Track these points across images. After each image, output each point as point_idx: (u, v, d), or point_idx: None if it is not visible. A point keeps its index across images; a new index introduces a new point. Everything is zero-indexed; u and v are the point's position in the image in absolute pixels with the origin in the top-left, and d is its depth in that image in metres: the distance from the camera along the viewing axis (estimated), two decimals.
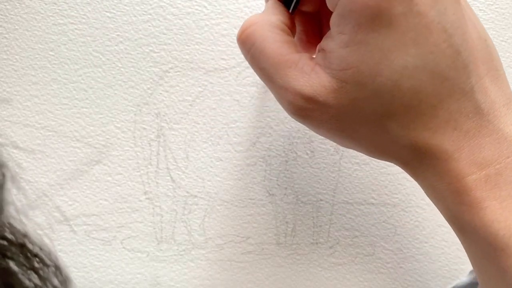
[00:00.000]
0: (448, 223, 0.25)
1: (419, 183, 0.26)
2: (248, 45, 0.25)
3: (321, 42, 0.25)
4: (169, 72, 0.38)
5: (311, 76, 0.24)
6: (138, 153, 0.38)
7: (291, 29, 0.27)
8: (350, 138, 0.25)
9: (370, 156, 0.26)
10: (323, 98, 0.23)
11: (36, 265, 0.14)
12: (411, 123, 0.23)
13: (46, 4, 0.38)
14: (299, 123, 0.38)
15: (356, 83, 0.23)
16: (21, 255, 0.14)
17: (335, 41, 0.23)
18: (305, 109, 0.24)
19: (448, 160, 0.23)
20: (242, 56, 0.39)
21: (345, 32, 0.23)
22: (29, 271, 0.14)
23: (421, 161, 0.24)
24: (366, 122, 0.24)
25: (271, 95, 0.37)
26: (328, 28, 0.25)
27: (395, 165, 0.26)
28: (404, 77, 0.22)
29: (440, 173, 0.24)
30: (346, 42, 0.23)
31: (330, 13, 0.24)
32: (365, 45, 0.22)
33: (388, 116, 0.23)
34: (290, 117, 0.38)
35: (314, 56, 0.25)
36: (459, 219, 0.24)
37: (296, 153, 0.38)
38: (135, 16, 0.38)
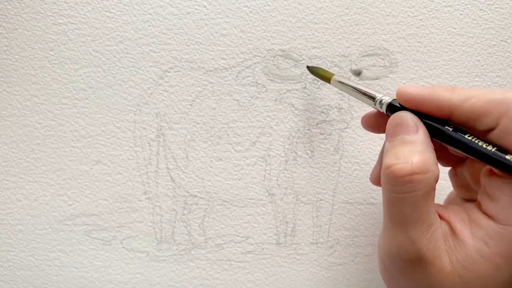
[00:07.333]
0: None
1: None
2: (409, 187, 0.24)
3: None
4: (169, 72, 0.38)
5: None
6: (138, 153, 0.38)
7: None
8: None
9: None
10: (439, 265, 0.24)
11: None
12: None
13: (46, 4, 0.38)
14: (299, 123, 0.38)
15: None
16: None
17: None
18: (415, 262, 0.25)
19: None
20: (241, 56, 0.39)
21: None
22: None
23: None
24: None
25: (271, 95, 0.37)
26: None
27: None
28: None
29: None
30: None
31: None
32: None
33: None
34: (290, 117, 0.38)
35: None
36: None
37: (296, 153, 0.38)
38: (135, 16, 0.38)
